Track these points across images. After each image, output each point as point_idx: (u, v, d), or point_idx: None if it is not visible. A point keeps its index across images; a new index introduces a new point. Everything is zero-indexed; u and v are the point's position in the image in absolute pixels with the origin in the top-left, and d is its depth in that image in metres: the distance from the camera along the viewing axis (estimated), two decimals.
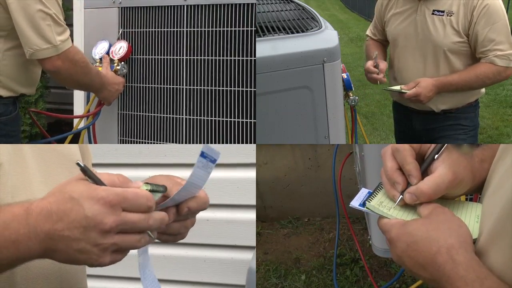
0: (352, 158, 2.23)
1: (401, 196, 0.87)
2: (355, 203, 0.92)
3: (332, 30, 1.83)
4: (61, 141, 2.13)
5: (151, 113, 2.03)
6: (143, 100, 2.05)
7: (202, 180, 0.90)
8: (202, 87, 1.90)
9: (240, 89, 1.83)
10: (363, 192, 0.93)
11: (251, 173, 2.46)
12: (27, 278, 0.93)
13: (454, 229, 0.79)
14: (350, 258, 3.25)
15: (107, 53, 2.05)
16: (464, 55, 2.03)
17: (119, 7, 2.06)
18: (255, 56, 1.77)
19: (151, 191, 0.86)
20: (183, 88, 1.94)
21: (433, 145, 0.88)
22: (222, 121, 1.87)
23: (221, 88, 1.86)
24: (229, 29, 1.82)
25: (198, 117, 1.92)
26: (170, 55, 1.96)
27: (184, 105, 1.95)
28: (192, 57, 1.91)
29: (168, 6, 1.94)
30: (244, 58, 1.81)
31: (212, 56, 1.87)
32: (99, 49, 2.08)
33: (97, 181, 0.82)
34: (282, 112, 1.72)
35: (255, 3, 1.79)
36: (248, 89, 1.81)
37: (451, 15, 1.98)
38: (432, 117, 2.18)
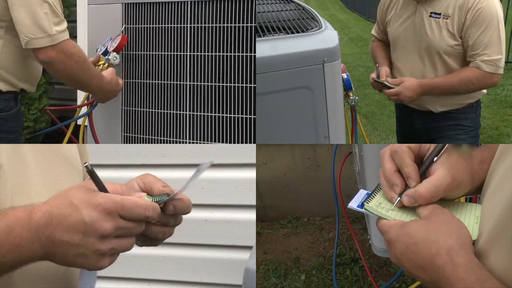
0: (352, 157, 2.23)
1: (399, 198, 0.86)
2: (353, 204, 0.91)
3: (332, 30, 1.82)
4: (66, 127, 2.13)
5: (155, 109, 2.03)
6: (146, 96, 2.05)
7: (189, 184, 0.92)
8: (205, 83, 1.90)
9: (241, 85, 1.84)
10: (361, 194, 0.93)
11: (251, 173, 2.46)
12: (25, 278, 0.93)
13: (454, 231, 0.79)
14: (350, 258, 3.25)
15: (107, 48, 2.04)
16: (460, 57, 2.03)
17: (122, 3, 2.07)
18: (254, 52, 1.78)
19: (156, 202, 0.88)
20: (186, 84, 1.95)
21: (432, 146, 0.88)
22: (224, 117, 1.88)
23: (223, 84, 1.87)
24: (231, 25, 1.83)
25: (201, 113, 1.93)
26: (173, 51, 1.97)
27: (187, 101, 1.95)
28: (195, 53, 1.92)
29: (171, 2, 1.95)
30: (245, 54, 1.82)
31: (214, 52, 1.88)
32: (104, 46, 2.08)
33: (100, 185, 0.85)
34: (282, 112, 1.72)
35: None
36: (248, 85, 1.82)
37: (447, 18, 1.98)
38: (432, 116, 2.18)
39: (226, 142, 1.90)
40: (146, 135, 2.07)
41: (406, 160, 0.86)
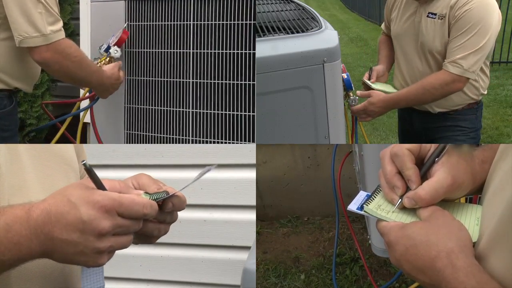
0: (352, 157, 2.23)
1: (400, 200, 0.86)
2: (353, 206, 0.91)
3: (332, 30, 1.82)
4: (64, 122, 2.12)
5: (157, 106, 2.03)
6: (149, 94, 2.05)
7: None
8: (208, 81, 1.90)
9: (242, 82, 1.84)
10: (361, 195, 0.92)
11: (251, 174, 2.46)
12: (22, 278, 0.93)
13: (454, 233, 0.78)
14: (349, 257, 3.24)
15: (109, 44, 2.04)
16: None
17: (125, 0, 2.07)
18: (254, 50, 1.78)
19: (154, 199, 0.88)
20: (189, 82, 1.95)
21: (433, 147, 0.88)
22: (227, 114, 1.88)
23: (226, 82, 1.87)
24: (234, 22, 1.83)
25: (204, 111, 1.93)
26: (176, 49, 1.97)
27: (189, 99, 1.95)
28: (198, 51, 1.92)
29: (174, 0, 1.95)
30: (247, 51, 1.82)
31: (217, 49, 1.88)
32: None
33: (98, 183, 0.85)
34: (282, 112, 1.71)
35: None
36: (247, 82, 1.82)
37: (442, 18, 1.97)
38: (431, 117, 2.18)
39: (228, 139, 1.90)
40: (148, 133, 2.07)
41: (407, 163, 0.86)
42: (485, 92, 2.16)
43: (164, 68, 2.00)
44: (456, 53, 1.91)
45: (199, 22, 1.91)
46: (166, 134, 2.03)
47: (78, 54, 1.81)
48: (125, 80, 2.08)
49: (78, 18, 3.60)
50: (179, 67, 1.97)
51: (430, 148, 0.88)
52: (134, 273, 2.66)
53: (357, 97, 2.04)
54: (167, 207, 0.92)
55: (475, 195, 0.92)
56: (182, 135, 1.99)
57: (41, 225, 0.80)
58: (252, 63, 1.81)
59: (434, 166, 0.85)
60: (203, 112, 1.93)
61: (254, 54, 1.79)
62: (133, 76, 2.07)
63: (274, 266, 3.27)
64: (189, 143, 1.98)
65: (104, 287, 0.95)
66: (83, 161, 0.84)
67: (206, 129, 1.93)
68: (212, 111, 1.92)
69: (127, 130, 2.13)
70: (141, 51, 2.05)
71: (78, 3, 3.59)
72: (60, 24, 1.76)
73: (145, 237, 0.95)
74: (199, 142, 1.96)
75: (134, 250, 2.62)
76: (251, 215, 2.48)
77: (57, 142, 2.14)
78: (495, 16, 1.92)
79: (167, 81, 2.01)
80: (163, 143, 2.04)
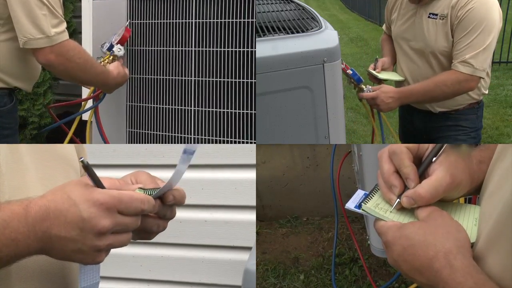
0: (351, 157, 2.23)
1: (398, 199, 0.86)
2: (350, 204, 0.91)
3: (332, 30, 1.82)
4: (69, 123, 2.12)
5: (160, 104, 2.04)
6: (151, 92, 2.06)
7: (181, 174, 0.91)
8: (210, 79, 1.91)
9: (244, 80, 1.84)
10: (359, 194, 0.92)
11: (251, 174, 2.46)
12: (22, 276, 0.93)
13: (452, 233, 0.78)
14: (349, 258, 3.24)
15: (112, 43, 2.04)
16: None
17: None
18: (254, 48, 1.78)
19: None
20: (191, 80, 1.95)
21: (431, 147, 0.87)
22: (229, 112, 1.89)
23: (228, 80, 1.88)
24: (236, 20, 1.84)
25: (206, 109, 1.93)
26: (178, 47, 1.97)
27: (192, 97, 1.96)
28: (200, 49, 1.92)
29: None
30: (246, 49, 1.83)
31: (218, 47, 1.88)
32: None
33: (97, 181, 0.85)
34: (282, 112, 1.71)
35: None
36: (248, 80, 1.83)
37: (443, 18, 1.97)
38: (432, 116, 2.18)
39: (229, 137, 1.90)
40: (151, 131, 2.07)
41: (404, 161, 0.85)
42: (487, 92, 2.16)
43: (166, 66, 2.01)
44: (465, 53, 1.91)
45: (201, 20, 1.91)
46: (168, 132, 2.04)
47: (82, 56, 1.82)
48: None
49: (80, 16, 3.60)
50: (181, 65, 1.97)
51: (428, 147, 0.88)
52: (134, 273, 2.66)
53: (371, 87, 2.04)
54: (168, 200, 0.92)
55: (474, 195, 0.92)
56: (184, 133, 1.99)
57: (39, 221, 0.80)
58: (252, 61, 1.81)
59: (432, 165, 0.85)
60: (205, 110, 1.94)
61: (254, 52, 1.79)
62: (135, 74, 2.08)
63: (273, 266, 3.27)
64: (191, 141, 1.99)
65: (99, 283, 0.95)
66: (81, 158, 0.84)
67: (208, 127, 1.94)
68: (214, 109, 1.92)
69: (129, 128, 2.13)
70: (143, 49, 2.05)
71: (80, 1, 3.59)
72: (64, 25, 1.77)
73: (144, 233, 0.95)
74: (201, 140, 1.97)
75: (135, 250, 2.62)
76: (252, 216, 2.49)
77: (59, 142, 2.14)
78: (497, 12, 1.93)
79: (169, 79, 2.01)
80: (165, 141, 2.05)
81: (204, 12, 1.90)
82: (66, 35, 1.76)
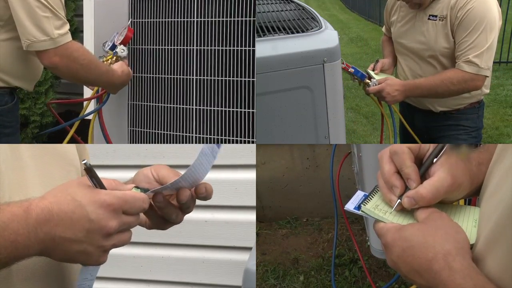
0: (351, 157, 2.23)
1: (399, 200, 0.85)
2: (350, 206, 0.90)
3: (332, 30, 1.82)
4: (72, 125, 2.12)
5: (161, 103, 2.04)
6: (153, 91, 2.06)
7: (205, 168, 0.94)
8: (211, 78, 1.91)
9: (243, 79, 1.84)
10: (358, 195, 0.91)
11: (251, 174, 2.45)
12: (23, 277, 0.93)
13: (451, 235, 0.78)
14: (349, 259, 3.24)
15: (114, 42, 2.04)
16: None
17: None
18: (254, 47, 1.78)
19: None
20: (192, 79, 1.95)
21: (432, 147, 0.87)
22: (230, 111, 1.89)
23: (230, 79, 1.88)
24: (237, 19, 1.84)
25: (207, 108, 1.93)
26: (179, 46, 1.97)
27: (193, 95, 1.96)
28: (202, 47, 1.92)
29: None
30: (247, 48, 1.83)
31: (219, 46, 1.88)
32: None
33: (99, 182, 0.85)
34: (282, 112, 1.71)
35: None
36: (248, 79, 1.83)
37: (443, 19, 1.98)
38: (433, 116, 2.19)
39: (229, 136, 1.90)
40: (152, 130, 2.07)
41: (406, 161, 0.85)
42: (487, 91, 2.16)
43: (168, 64, 2.01)
44: (469, 52, 1.91)
45: (202, 19, 1.91)
46: (169, 131, 2.04)
47: (86, 57, 1.82)
48: None
49: (81, 15, 3.60)
50: (182, 64, 1.97)
51: (429, 148, 0.87)
52: (135, 273, 2.65)
53: (376, 81, 2.04)
54: (200, 192, 0.95)
55: (474, 197, 0.92)
56: (185, 132, 2.00)
57: (42, 223, 0.80)
58: (252, 60, 1.81)
59: (433, 166, 0.85)
60: (206, 109, 1.94)
61: (254, 51, 1.79)
62: (136, 73, 2.08)
63: (273, 267, 3.27)
64: (192, 140, 1.99)
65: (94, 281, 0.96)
66: (84, 160, 0.84)
67: (210, 126, 1.94)
68: (214, 108, 1.92)
69: (130, 127, 2.14)
70: (144, 48, 2.05)
71: (82, 0, 3.59)
72: (67, 27, 1.77)
73: (162, 221, 0.98)
74: (202, 139, 1.96)
75: (135, 251, 2.61)
76: (253, 216, 2.48)
77: (61, 141, 2.14)
78: (496, 11, 1.94)
79: (170, 78, 2.01)
80: (166, 140, 2.05)
81: (205, 11, 1.90)
82: (69, 37, 1.76)
